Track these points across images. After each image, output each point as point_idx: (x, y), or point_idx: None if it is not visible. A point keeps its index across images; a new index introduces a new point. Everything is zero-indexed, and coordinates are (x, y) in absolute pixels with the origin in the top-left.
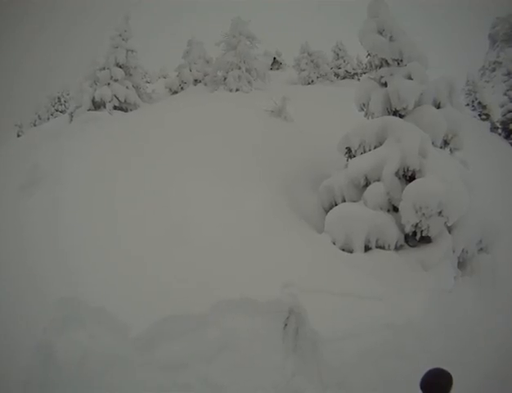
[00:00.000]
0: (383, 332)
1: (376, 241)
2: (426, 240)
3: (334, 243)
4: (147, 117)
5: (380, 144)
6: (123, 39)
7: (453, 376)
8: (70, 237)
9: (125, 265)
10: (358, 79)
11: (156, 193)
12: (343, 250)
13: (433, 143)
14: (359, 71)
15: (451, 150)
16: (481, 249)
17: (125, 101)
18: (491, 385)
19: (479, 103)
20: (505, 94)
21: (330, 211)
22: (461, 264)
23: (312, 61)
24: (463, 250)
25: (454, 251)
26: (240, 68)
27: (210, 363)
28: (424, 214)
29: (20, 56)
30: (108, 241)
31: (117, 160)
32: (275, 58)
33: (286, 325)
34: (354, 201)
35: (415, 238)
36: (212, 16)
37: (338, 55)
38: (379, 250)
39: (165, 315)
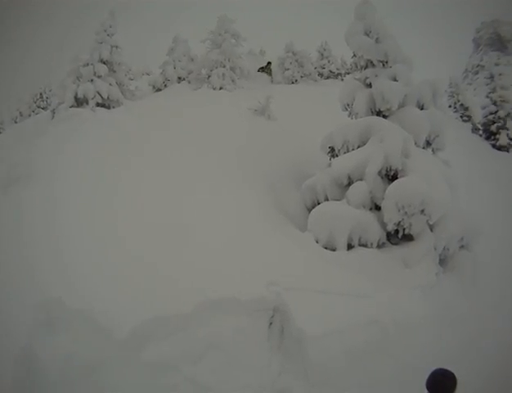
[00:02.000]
0: (367, 329)
1: (359, 240)
2: (408, 238)
3: (317, 241)
4: (130, 115)
5: (364, 144)
6: (108, 35)
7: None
8: (50, 239)
9: (109, 266)
10: (342, 79)
11: (137, 194)
12: (326, 248)
13: (415, 143)
14: (343, 71)
15: (433, 150)
16: (462, 246)
17: (108, 98)
18: (476, 380)
19: (461, 105)
20: (487, 96)
21: (313, 210)
22: (443, 261)
23: (296, 61)
24: (444, 248)
25: (435, 249)
26: (224, 66)
27: (197, 363)
28: (406, 212)
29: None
30: (92, 242)
31: (99, 160)
32: (269, 62)
33: (271, 323)
34: (337, 200)
35: (398, 236)
36: (198, 14)
37: (322, 55)
38: (361, 248)
39: (151, 316)
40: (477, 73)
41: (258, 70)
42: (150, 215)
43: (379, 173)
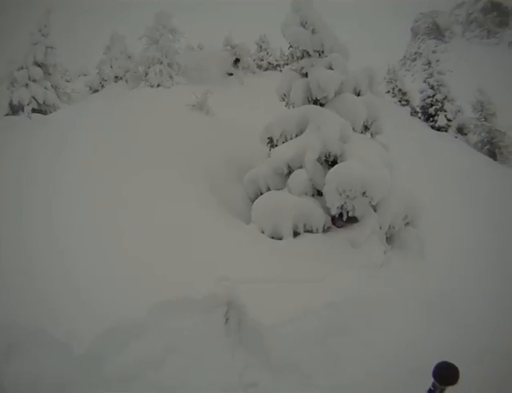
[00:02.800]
0: (323, 312)
1: (304, 226)
2: (353, 220)
3: (262, 232)
4: (66, 120)
5: (301, 132)
6: (42, 35)
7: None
8: None
9: (50, 280)
10: (281, 71)
11: (75, 197)
12: (273, 237)
13: (353, 129)
14: (282, 63)
15: (371, 134)
16: (407, 223)
17: (44, 102)
18: (432, 352)
19: (399, 90)
20: (425, 81)
21: (256, 202)
22: (390, 239)
23: (234, 54)
24: (390, 226)
25: (381, 228)
26: (161, 63)
27: (160, 369)
28: (348, 195)
29: None
30: (31, 254)
31: (43, 165)
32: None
33: (228, 319)
34: (279, 190)
35: (342, 219)
36: (134, 10)
37: (261, 47)
38: (307, 234)
39: (105, 327)
40: (415, 60)
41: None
42: (86, 222)
43: (319, 159)
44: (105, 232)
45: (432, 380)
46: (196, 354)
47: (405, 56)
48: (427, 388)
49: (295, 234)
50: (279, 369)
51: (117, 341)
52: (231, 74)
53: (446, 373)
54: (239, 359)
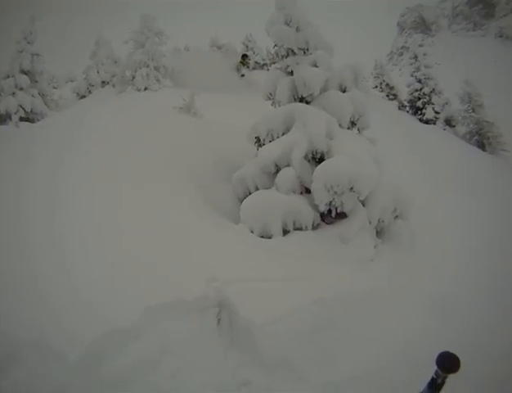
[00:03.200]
0: (313, 309)
1: (293, 224)
2: (342, 216)
3: (252, 232)
4: (56, 129)
5: (288, 130)
6: (28, 42)
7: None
8: None
9: (38, 287)
10: (268, 69)
11: (64, 200)
12: (262, 237)
13: (340, 125)
14: (268, 62)
15: (358, 129)
16: (396, 216)
17: (32, 110)
18: (424, 344)
19: (387, 85)
20: (412, 75)
21: (244, 201)
22: (380, 233)
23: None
24: (379, 220)
25: (370, 222)
26: (148, 66)
27: (156, 371)
28: (335, 192)
29: None
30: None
31: (33, 170)
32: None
33: (220, 319)
34: (267, 188)
35: (331, 215)
36: (120, 14)
37: (247, 46)
38: (297, 231)
39: (99, 332)
40: (401, 54)
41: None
42: (78, 227)
43: (306, 157)
44: (104, 236)
45: (435, 368)
46: (190, 355)
47: (392, 51)
48: (421, 384)
49: (285, 232)
50: (271, 367)
51: (112, 345)
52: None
53: (448, 362)
54: (232, 359)
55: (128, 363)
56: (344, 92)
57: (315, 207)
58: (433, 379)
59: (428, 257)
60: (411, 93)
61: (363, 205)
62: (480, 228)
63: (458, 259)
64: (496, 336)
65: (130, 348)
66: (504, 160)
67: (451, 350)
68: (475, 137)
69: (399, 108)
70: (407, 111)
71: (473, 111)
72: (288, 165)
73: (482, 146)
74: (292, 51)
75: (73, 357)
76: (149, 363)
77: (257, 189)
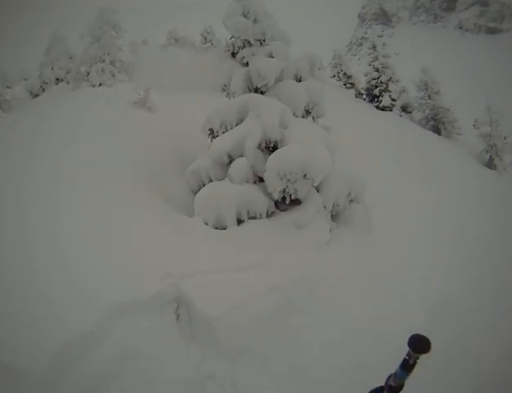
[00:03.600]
0: (270, 296)
1: (248, 213)
2: (296, 202)
3: (206, 224)
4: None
5: (242, 121)
6: None
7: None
8: None
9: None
10: None
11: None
12: (217, 228)
13: (294, 114)
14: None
15: (313, 118)
16: (351, 200)
17: None
18: (381, 321)
19: (344, 74)
20: (370, 65)
21: (198, 194)
22: (335, 217)
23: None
24: (334, 205)
25: (325, 207)
26: (103, 61)
27: (121, 377)
28: (289, 179)
29: None
30: None
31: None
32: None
33: (179, 315)
34: (221, 180)
35: (285, 202)
36: (79, 9)
37: (206, 38)
38: (251, 221)
39: (58, 343)
40: (361, 44)
41: None
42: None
43: (259, 146)
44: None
45: (407, 349)
46: (153, 354)
47: (351, 42)
48: (389, 365)
49: (239, 222)
50: (234, 358)
51: (72, 356)
52: None
53: (419, 343)
54: (194, 353)
55: (91, 371)
56: (300, 81)
57: (269, 195)
58: (405, 360)
59: (381, 239)
60: (369, 82)
61: (317, 191)
62: (435, 205)
63: (414, 241)
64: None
65: (92, 355)
66: (459, 144)
67: (407, 327)
68: (431, 123)
69: (356, 96)
70: (364, 99)
71: (430, 98)
72: (241, 156)
73: (437, 130)
74: (248, 42)
75: (35, 374)
76: (113, 368)
77: (210, 181)
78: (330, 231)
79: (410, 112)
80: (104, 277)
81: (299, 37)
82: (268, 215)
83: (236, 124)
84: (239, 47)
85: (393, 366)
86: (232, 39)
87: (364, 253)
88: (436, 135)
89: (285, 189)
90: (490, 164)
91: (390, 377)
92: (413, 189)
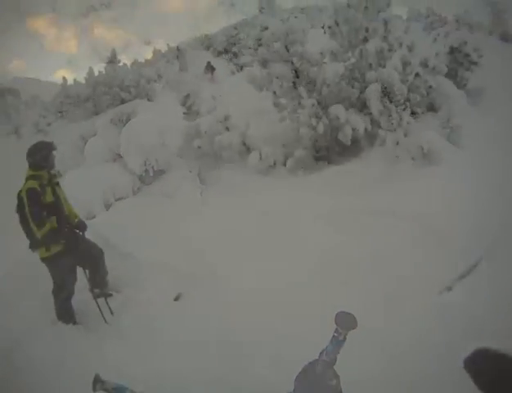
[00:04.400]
0: None
1: (114, 196)
2: (161, 173)
3: None
4: None
5: None
6: None
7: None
8: None
9: None
10: None
11: None
12: (87, 219)
13: None
14: None
15: None
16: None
17: None
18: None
19: None
20: None
21: None
22: (203, 180)
23: None
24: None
25: (191, 171)
26: None
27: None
28: (147, 150)
29: None
30: None
31: None
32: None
33: None
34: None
35: (151, 175)
36: None
37: None
38: (119, 202)
39: None
40: None
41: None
42: None
43: (112, 120)
44: None
45: (335, 327)
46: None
47: None
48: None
49: (108, 206)
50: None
51: None
52: None
53: (346, 320)
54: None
55: None
56: None
57: (132, 171)
58: (334, 337)
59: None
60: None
61: (180, 157)
62: None
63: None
64: None
65: None
66: None
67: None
68: None
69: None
70: None
71: None
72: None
73: None
74: None
75: None
76: None
77: None
78: (201, 194)
79: None
80: None
81: None
82: (135, 192)
83: None
84: None
85: None
86: None
87: (235, 212)
88: None
89: (145, 161)
90: None
91: (322, 352)
92: None
